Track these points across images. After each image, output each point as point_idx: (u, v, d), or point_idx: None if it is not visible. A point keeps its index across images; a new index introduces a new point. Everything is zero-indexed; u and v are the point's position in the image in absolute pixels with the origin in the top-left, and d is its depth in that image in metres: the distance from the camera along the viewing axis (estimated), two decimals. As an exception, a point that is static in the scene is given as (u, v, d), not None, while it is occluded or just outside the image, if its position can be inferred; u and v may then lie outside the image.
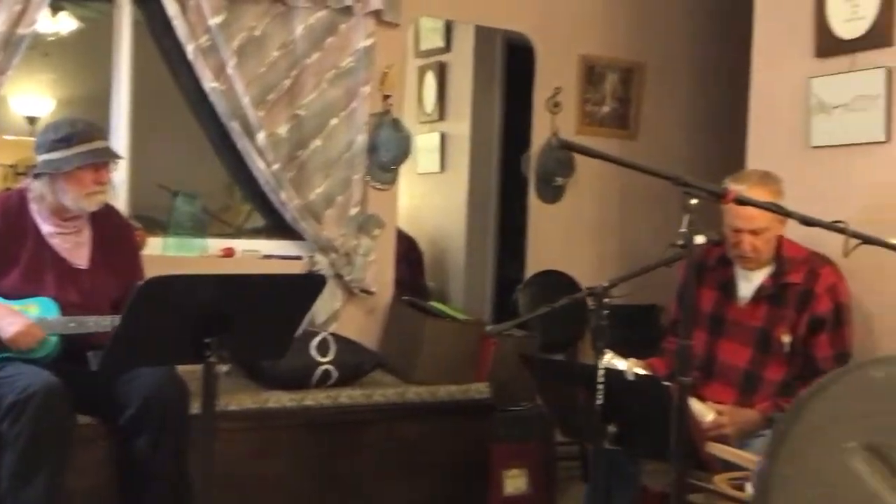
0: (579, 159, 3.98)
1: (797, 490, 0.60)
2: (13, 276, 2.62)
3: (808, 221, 1.91)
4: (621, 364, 2.41)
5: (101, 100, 3.39)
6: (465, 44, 4.38)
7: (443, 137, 4.56)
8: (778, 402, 2.55)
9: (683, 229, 1.95)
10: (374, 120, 3.54)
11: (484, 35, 4.23)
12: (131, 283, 2.36)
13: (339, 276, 3.45)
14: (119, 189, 3.21)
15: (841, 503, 0.58)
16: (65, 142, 2.61)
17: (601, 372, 2.19)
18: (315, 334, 3.10)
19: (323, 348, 3.06)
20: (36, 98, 5.94)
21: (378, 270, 3.57)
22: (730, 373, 2.73)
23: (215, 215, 4.21)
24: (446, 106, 4.56)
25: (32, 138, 3.05)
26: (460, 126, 4.46)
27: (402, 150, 3.61)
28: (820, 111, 2.99)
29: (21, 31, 2.90)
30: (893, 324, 2.80)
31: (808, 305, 2.62)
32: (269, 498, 2.95)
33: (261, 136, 3.22)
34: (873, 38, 2.85)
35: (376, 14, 3.45)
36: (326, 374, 3.04)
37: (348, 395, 3.07)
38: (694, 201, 1.93)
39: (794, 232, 2.52)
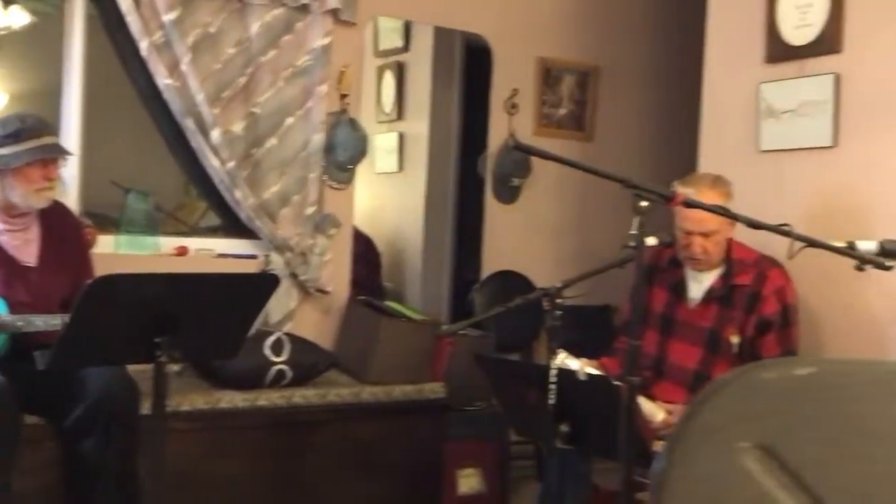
0: (536, 161, 4.00)
1: (691, 490, 0.61)
2: (-41, 274, 2.58)
3: (754, 224, 1.95)
4: (574, 364, 2.43)
5: (53, 95, 3.33)
6: (423, 44, 4.39)
7: (401, 137, 4.55)
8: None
9: (633, 231, 1.98)
10: (331, 119, 3.52)
11: (443, 36, 4.24)
12: (81, 281, 2.33)
13: (294, 276, 3.44)
14: (70, 186, 3.16)
15: (734, 502, 0.60)
16: (13, 137, 2.56)
17: (553, 372, 2.21)
18: (269, 334, 3.08)
19: (277, 348, 3.04)
20: (-13, 92, 5.82)
21: (334, 270, 3.55)
22: (680, 373, 2.77)
23: (170, 213, 4.15)
24: (405, 106, 4.56)
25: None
26: (418, 126, 4.47)
27: (359, 149, 3.60)
28: (769, 116, 3.04)
29: (-30, 24, 2.85)
30: (838, 324, 2.87)
31: (756, 307, 2.67)
32: (221, 499, 2.93)
33: (215, 134, 3.20)
34: (822, 45, 2.91)
35: (333, 13, 3.44)
36: (280, 373, 3.02)
37: (302, 395, 3.05)
38: (644, 204, 1.95)
39: (744, 235, 2.57)
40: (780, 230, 1.91)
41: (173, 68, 3.13)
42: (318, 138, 3.46)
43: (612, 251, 2.44)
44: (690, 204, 2.08)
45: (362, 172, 3.79)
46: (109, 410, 2.49)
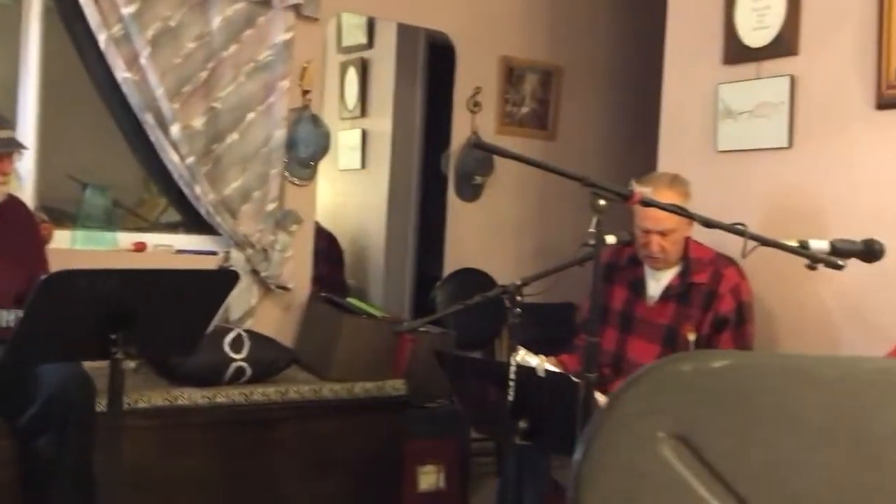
0: (498, 159, 4.02)
1: (610, 479, 0.63)
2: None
3: (709, 223, 1.97)
4: (533, 361, 2.44)
5: (9, 88, 3.28)
6: (387, 41, 4.38)
7: (364, 134, 4.55)
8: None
9: (592, 229, 2.00)
10: (293, 115, 3.51)
11: (406, 33, 4.24)
12: (36, 276, 2.29)
13: (255, 272, 3.42)
14: (25, 180, 3.12)
15: (651, 491, 0.62)
16: (-33, 131, 2.52)
17: (513, 368, 2.22)
18: (229, 330, 3.06)
19: (237, 345, 3.02)
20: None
21: (295, 266, 3.54)
22: (638, 369, 2.80)
23: (129, 209, 4.11)
24: (368, 103, 4.56)
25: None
26: (382, 123, 4.46)
27: (321, 146, 3.59)
28: (727, 117, 3.08)
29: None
30: (793, 322, 2.92)
31: (712, 305, 2.71)
32: (179, 497, 2.90)
33: (175, 129, 3.16)
34: (779, 47, 2.96)
35: (296, 8, 3.43)
36: (240, 370, 3.01)
37: (262, 393, 3.04)
38: (602, 202, 1.97)
39: (702, 234, 2.60)
40: (733, 229, 1.94)
41: (132, 62, 3.10)
42: (280, 134, 3.44)
43: (574, 249, 2.47)
44: (647, 203, 2.10)
45: (325, 169, 3.78)
46: (65, 407, 2.46)
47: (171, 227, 3.65)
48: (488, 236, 4.17)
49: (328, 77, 4.26)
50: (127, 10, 3.06)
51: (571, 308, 4.07)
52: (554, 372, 2.46)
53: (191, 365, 2.88)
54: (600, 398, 2.49)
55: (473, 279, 4.01)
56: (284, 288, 3.49)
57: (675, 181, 2.75)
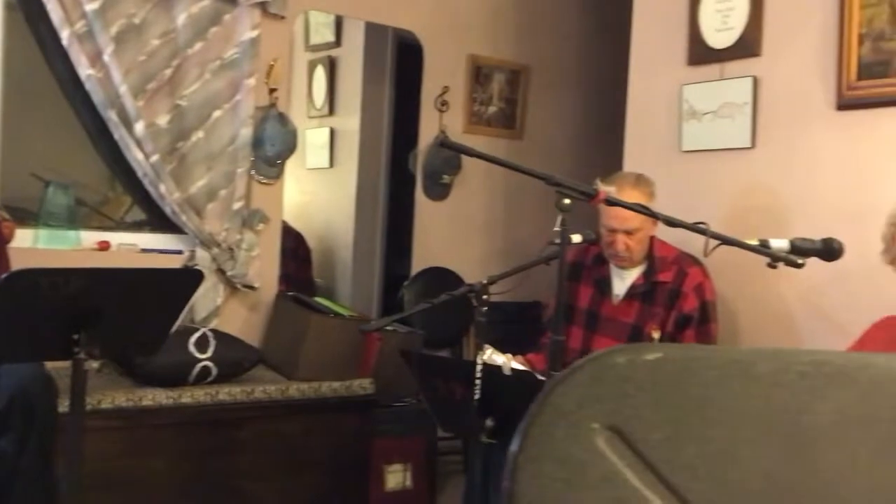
0: (466, 158, 4.03)
1: (545, 470, 0.64)
2: None
3: (671, 223, 2.00)
4: (500, 359, 2.45)
5: (-31, 85, 3.23)
6: (355, 39, 4.37)
7: (332, 133, 4.53)
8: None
9: (557, 228, 2.01)
10: (260, 113, 3.49)
11: (374, 31, 4.23)
12: (-4, 276, 2.26)
13: (221, 271, 3.39)
14: (-14, 178, 3.07)
15: (586, 481, 0.63)
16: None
17: (479, 367, 2.23)
18: (194, 330, 3.04)
19: (202, 344, 3.00)
20: None
21: (262, 266, 3.52)
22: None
23: (93, 207, 4.06)
24: (336, 101, 4.54)
25: None
26: (350, 122, 4.45)
27: (288, 144, 3.58)
28: (691, 117, 3.12)
29: None
30: (755, 319, 2.96)
31: (676, 303, 2.74)
32: (144, 498, 2.88)
33: (139, 127, 3.13)
34: (742, 48, 2.99)
35: (262, 6, 3.41)
36: (205, 370, 2.98)
37: (228, 392, 3.02)
38: (567, 201, 1.98)
39: (667, 233, 2.63)
40: (695, 228, 1.96)
41: (95, 59, 3.07)
42: (246, 132, 3.42)
43: (541, 247, 2.48)
44: (612, 202, 2.12)
45: (293, 167, 3.77)
46: (26, 408, 2.42)
47: (137, 226, 3.61)
48: (456, 235, 4.18)
49: (296, 75, 4.23)
50: (90, 7, 3.03)
51: (539, 306, 4.09)
52: (520, 370, 2.47)
53: (155, 365, 2.86)
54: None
55: (441, 278, 4.02)
56: (251, 287, 3.48)
57: (640, 181, 2.77)
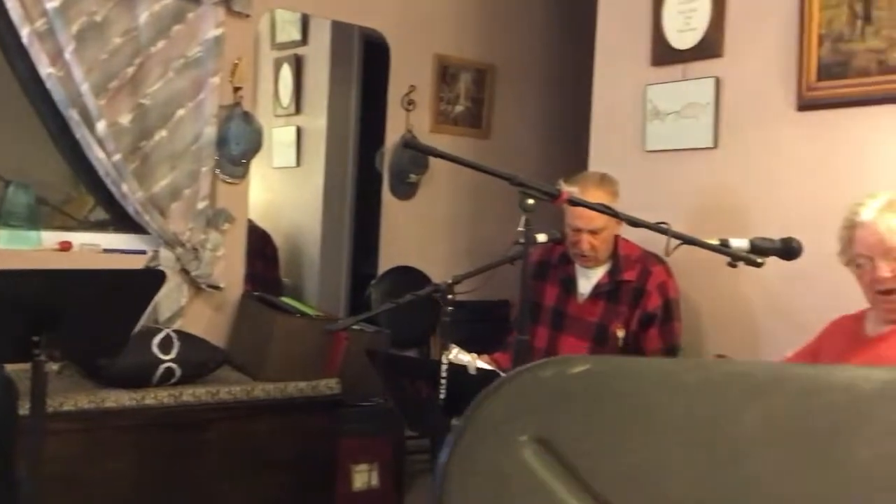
0: (433, 157, 4.03)
1: (473, 482, 0.65)
2: None
3: (634, 222, 2.02)
4: (465, 358, 2.45)
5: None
6: (321, 38, 4.35)
7: (299, 131, 4.51)
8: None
9: (521, 228, 2.02)
10: (224, 112, 3.46)
11: (341, 30, 4.22)
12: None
13: (185, 272, 3.36)
14: (-56, 178, 3.02)
15: (513, 493, 0.64)
16: None
17: (444, 367, 2.23)
18: (158, 331, 3.01)
19: (166, 345, 2.97)
20: None
21: (227, 266, 3.49)
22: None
23: (56, 207, 4.01)
24: (303, 100, 4.52)
25: None
26: (317, 120, 4.43)
27: (253, 144, 3.55)
28: (655, 117, 3.14)
29: None
30: (717, 318, 2.99)
31: (640, 302, 2.76)
32: (107, 501, 2.85)
33: (101, 126, 3.10)
34: (704, 49, 3.03)
35: (226, 3, 3.38)
36: (169, 371, 2.96)
37: (192, 394, 2.99)
38: (530, 201, 2.00)
39: (632, 232, 2.65)
40: (657, 228, 1.98)
41: (56, 57, 3.02)
42: (210, 131, 3.39)
43: (509, 246, 2.49)
44: (575, 202, 2.14)
45: (259, 166, 3.74)
46: (-15, 412, 2.39)
47: (101, 226, 3.56)
48: (424, 234, 4.18)
49: (262, 74, 4.21)
50: (51, 5, 2.99)
51: (507, 305, 4.11)
52: (485, 370, 2.48)
53: (118, 366, 2.83)
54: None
55: (409, 277, 4.01)
56: (216, 287, 3.45)
57: (604, 180, 2.79)
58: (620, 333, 2.76)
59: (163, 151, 3.28)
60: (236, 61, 3.47)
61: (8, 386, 2.47)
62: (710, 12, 3.00)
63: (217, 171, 3.48)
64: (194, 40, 3.32)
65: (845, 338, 2.25)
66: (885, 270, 2.06)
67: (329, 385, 3.27)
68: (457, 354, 2.42)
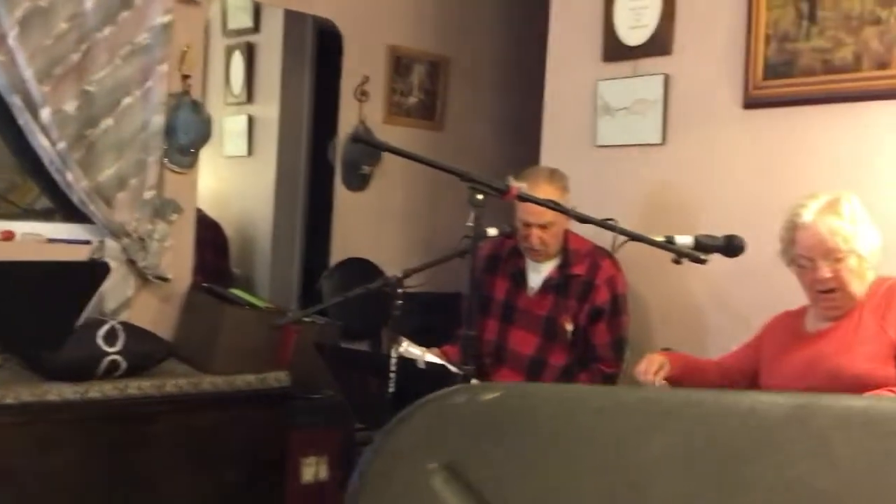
0: (386, 148, 4.02)
1: None
2: None
3: (581, 219, 2.03)
4: (415, 352, 2.46)
5: None
6: (274, 26, 4.30)
7: (250, 120, 4.46)
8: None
9: (470, 223, 2.03)
10: (173, 101, 3.40)
11: (294, 18, 4.17)
12: None
13: (132, 262, 3.30)
14: None
15: None
16: None
17: (393, 360, 2.23)
18: (103, 323, 2.95)
19: (110, 338, 2.91)
20: None
21: (175, 257, 3.44)
22: (518, 359, 2.86)
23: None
24: (255, 88, 4.46)
25: None
26: (269, 109, 4.38)
27: (202, 133, 3.50)
28: (605, 113, 3.17)
29: None
30: (665, 313, 3.03)
31: (588, 296, 2.79)
32: (51, 495, 2.79)
33: (45, 113, 3.02)
34: (654, 46, 3.05)
35: (176, -10, 3.32)
36: (114, 364, 2.90)
37: (138, 387, 2.95)
38: (479, 196, 2.00)
39: (583, 226, 2.66)
40: (603, 224, 2.00)
41: (-1, 42, 2.95)
42: (158, 120, 3.33)
43: (460, 239, 2.49)
44: (523, 198, 2.15)
45: (210, 156, 3.69)
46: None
47: (45, 215, 3.48)
48: (376, 226, 4.16)
49: (213, 61, 4.15)
50: (-8, -13, 2.91)
51: (459, 297, 4.10)
52: (433, 363, 2.48)
53: (61, 359, 2.77)
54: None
55: (361, 268, 4.00)
56: (163, 279, 3.39)
57: (554, 176, 2.81)
58: (569, 327, 2.79)
59: (109, 140, 3.21)
60: (185, 49, 3.41)
61: (-55, 379, 2.41)
62: (660, 10, 3.03)
63: (165, 161, 3.42)
64: (142, 26, 3.26)
65: (786, 333, 2.29)
66: (825, 271, 2.11)
67: (278, 378, 3.24)
68: (406, 347, 2.42)
